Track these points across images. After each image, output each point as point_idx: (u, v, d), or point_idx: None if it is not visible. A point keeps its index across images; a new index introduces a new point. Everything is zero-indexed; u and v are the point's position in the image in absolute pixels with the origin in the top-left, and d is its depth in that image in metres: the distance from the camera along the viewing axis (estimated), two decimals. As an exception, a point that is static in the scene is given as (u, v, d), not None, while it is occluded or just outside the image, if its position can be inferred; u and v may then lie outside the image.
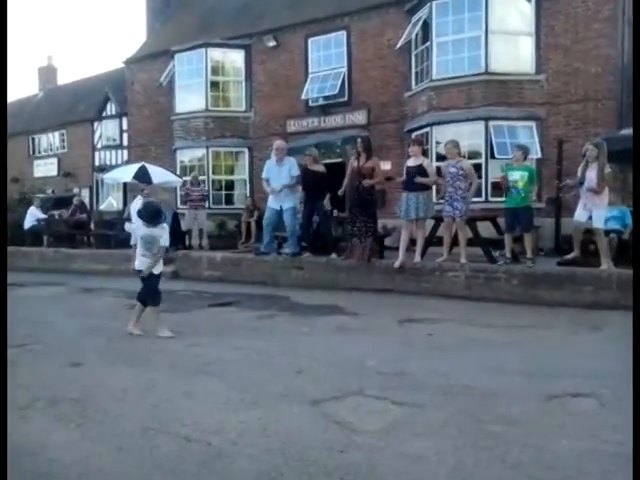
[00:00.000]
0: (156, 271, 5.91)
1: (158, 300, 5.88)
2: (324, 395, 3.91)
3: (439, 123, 13.34)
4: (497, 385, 4.10)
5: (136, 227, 6.07)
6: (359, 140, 9.19)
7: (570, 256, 7.91)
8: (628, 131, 9.62)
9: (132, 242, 6.06)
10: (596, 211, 7.60)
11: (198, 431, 3.30)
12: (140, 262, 5.89)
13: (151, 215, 5.81)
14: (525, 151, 8.46)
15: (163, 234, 5.86)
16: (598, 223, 7.63)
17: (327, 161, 13.04)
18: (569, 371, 4.45)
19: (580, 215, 7.79)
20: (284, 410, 3.65)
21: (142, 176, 13.43)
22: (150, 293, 5.87)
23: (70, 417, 3.54)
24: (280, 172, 9.69)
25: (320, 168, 9.90)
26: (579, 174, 7.85)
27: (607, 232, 8.26)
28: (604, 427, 3.32)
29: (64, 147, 25.26)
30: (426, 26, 13.72)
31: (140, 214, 5.90)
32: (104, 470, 2.84)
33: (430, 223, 9.20)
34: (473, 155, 12.99)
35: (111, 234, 14.05)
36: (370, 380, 4.26)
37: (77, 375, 4.49)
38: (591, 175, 7.60)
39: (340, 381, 4.25)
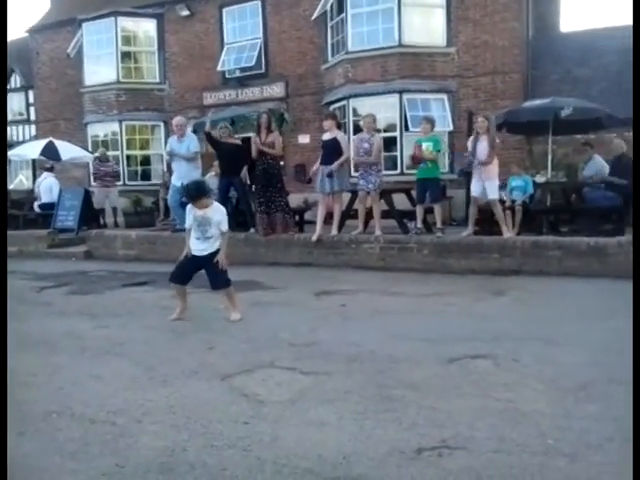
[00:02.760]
0: (219, 245, 5.44)
1: (227, 281, 5.43)
2: (235, 369, 3.95)
3: (356, 96, 13.49)
4: (401, 351, 4.27)
5: (189, 208, 5.46)
6: (264, 115, 9.20)
7: (465, 233, 8.22)
8: (530, 103, 10.07)
9: (186, 226, 5.51)
10: (489, 182, 7.98)
11: (103, 412, 3.27)
12: (195, 247, 5.41)
13: (195, 192, 5.34)
14: (432, 123, 8.71)
15: (222, 218, 5.40)
16: (492, 194, 8.02)
17: (245, 135, 12.88)
18: (470, 335, 4.68)
19: (475, 189, 8.14)
20: (193, 386, 3.67)
21: (50, 152, 12.91)
22: (219, 276, 5.39)
23: (-32, 405, 3.42)
24: (180, 148, 9.71)
25: (235, 141, 9.83)
26: (469, 147, 8.19)
27: (512, 202, 8.68)
28: (497, 386, 3.54)
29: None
30: (341, -3, 13.73)
31: (185, 193, 5.51)
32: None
33: (347, 197, 9.33)
34: (388, 128, 13.24)
35: (19, 214, 13.41)
36: (282, 352, 4.34)
37: (-22, 362, 4.31)
38: (481, 147, 7.96)
39: (252, 355, 4.30)
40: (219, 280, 5.40)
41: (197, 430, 3.01)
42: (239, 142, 9.89)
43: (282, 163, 9.94)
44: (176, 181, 9.73)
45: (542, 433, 2.85)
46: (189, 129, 10.68)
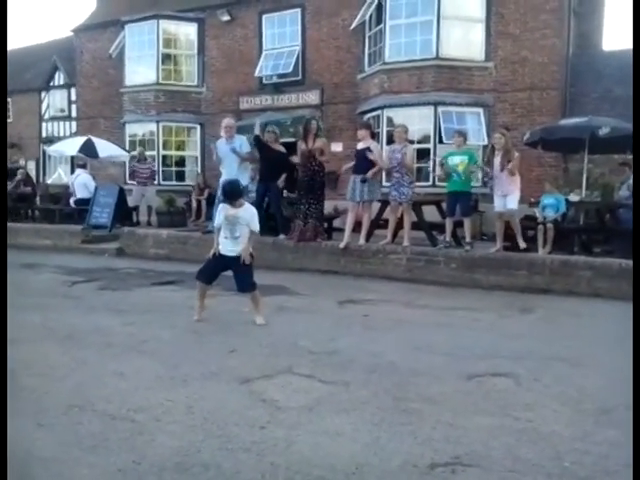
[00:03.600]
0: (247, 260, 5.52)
1: (254, 284, 5.55)
2: (254, 374, 3.99)
3: (390, 106, 13.45)
4: (421, 364, 4.26)
5: (221, 208, 5.54)
6: (313, 122, 9.21)
7: (493, 249, 8.16)
8: (567, 121, 9.94)
9: (215, 224, 5.60)
10: (509, 195, 7.94)
11: (124, 409, 3.34)
12: (223, 247, 5.47)
13: (231, 192, 5.42)
14: (464, 136, 8.67)
15: (251, 218, 5.44)
16: (511, 205, 7.95)
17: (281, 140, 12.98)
18: (493, 352, 4.64)
19: (499, 205, 8.10)
20: (212, 388, 3.72)
21: (88, 150, 13.20)
22: (246, 277, 5.51)
23: (-5, 394, 3.52)
24: (230, 150, 9.62)
25: (280, 148, 9.85)
26: (486, 162, 8.19)
27: (544, 219, 8.56)
28: (517, 405, 3.50)
29: (9, 117, 24.35)
30: (380, 8, 13.76)
31: (222, 192, 5.60)
32: (20, 445, 2.85)
33: (376, 206, 9.33)
34: (422, 140, 13.19)
35: (55, 208, 13.74)
36: (301, 359, 4.37)
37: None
38: (496, 162, 7.90)
39: (272, 360, 4.33)
40: (245, 283, 5.49)
41: (213, 432, 3.05)
42: (283, 149, 9.91)
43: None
44: None
45: (559, 455, 2.82)
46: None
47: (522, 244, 7.94)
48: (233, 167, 9.64)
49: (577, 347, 4.85)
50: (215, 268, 5.59)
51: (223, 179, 9.86)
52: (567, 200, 8.93)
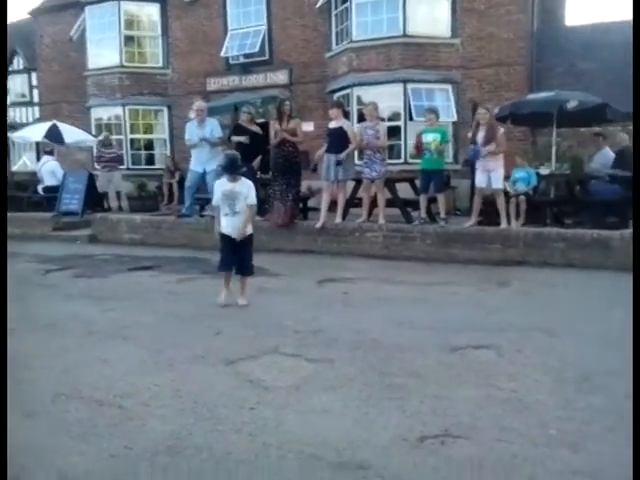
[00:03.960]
0: (248, 232, 5.50)
1: (252, 268, 5.57)
2: (240, 355, 4.00)
3: (360, 84, 13.40)
4: (404, 339, 4.32)
5: (217, 184, 5.52)
6: (287, 103, 9.15)
7: (468, 224, 8.23)
8: (535, 95, 10.05)
9: (214, 202, 5.53)
10: (494, 173, 7.97)
11: (111, 395, 3.32)
12: (226, 224, 5.43)
13: (231, 166, 5.36)
14: (436, 113, 8.71)
15: (248, 191, 5.40)
16: (497, 184, 8.00)
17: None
18: (473, 325, 4.72)
19: (480, 180, 8.14)
20: (199, 371, 3.72)
21: (54, 135, 12.89)
22: (246, 260, 5.49)
23: (-23, 386, 3.46)
24: (201, 134, 9.47)
25: (256, 129, 9.75)
26: (470, 138, 8.20)
27: (517, 194, 8.68)
28: (500, 376, 3.58)
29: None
30: (345, -15, 13.64)
31: (222, 166, 5.49)
32: (10, 436, 2.82)
33: (351, 185, 9.34)
34: (393, 117, 13.21)
35: (23, 196, 13.42)
36: (286, 339, 4.39)
37: (-15, 344, 4.36)
38: (480, 137, 7.95)
39: (257, 341, 4.34)
40: (246, 266, 5.52)
41: (203, 414, 3.05)
42: (259, 130, 9.81)
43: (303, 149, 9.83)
44: (197, 167, 9.61)
45: (544, 423, 2.90)
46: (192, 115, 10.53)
47: (504, 224, 7.96)
48: (204, 151, 9.53)
49: (555, 317, 4.95)
50: (229, 252, 5.51)
51: (193, 163, 9.77)
52: (538, 173, 9.07)
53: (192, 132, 9.64)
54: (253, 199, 5.45)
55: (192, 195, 9.94)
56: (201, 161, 9.56)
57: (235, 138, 9.44)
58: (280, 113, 8.97)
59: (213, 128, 9.54)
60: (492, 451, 2.64)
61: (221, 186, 5.45)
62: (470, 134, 8.26)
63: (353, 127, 9.52)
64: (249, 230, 5.51)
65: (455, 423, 2.92)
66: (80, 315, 5.15)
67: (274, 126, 9.02)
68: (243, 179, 5.48)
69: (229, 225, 5.43)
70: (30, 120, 20.48)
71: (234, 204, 5.37)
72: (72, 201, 11.50)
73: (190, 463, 2.59)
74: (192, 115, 9.90)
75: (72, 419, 3.02)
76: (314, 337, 4.43)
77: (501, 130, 8.08)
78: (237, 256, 5.50)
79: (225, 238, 5.49)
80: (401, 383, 3.47)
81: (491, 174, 7.97)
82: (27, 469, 2.54)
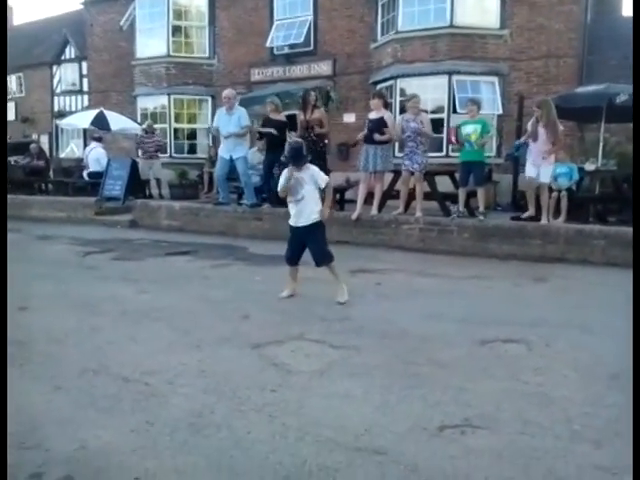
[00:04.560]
0: (317, 217, 5.21)
1: (330, 255, 5.23)
2: (267, 339, 4.02)
3: (404, 76, 13.28)
4: (433, 331, 4.26)
5: (285, 172, 5.25)
6: (312, 93, 9.18)
7: (526, 215, 8.04)
8: (584, 89, 9.75)
9: (279, 188, 5.26)
10: (543, 167, 7.76)
11: (137, 372, 3.38)
12: (294, 214, 5.25)
13: (294, 154, 5.17)
14: (478, 105, 8.54)
15: (315, 174, 5.18)
16: (544, 178, 7.80)
17: (289, 112, 12.88)
18: (505, 319, 4.63)
19: (530, 171, 7.93)
20: (225, 353, 3.76)
21: (100, 122, 13.22)
22: (316, 248, 5.21)
23: (14, 359, 3.58)
24: (229, 121, 9.54)
25: (282, 117, 9.82)
26: (529, 129, 7.96)
27: (558, 189, 8.46)
28: (527, 370, 3.50)
29: (22, 91, 24.44)
30: (393, -25, 13.49)
31: (288, 155, 5.27)
32: (37, 407, 2.91)
33: (389, 177, 9.27)
34: (436, 110, 13.03)
35: (69, 181, 13.81)
36: (313, 326, 4.39)
37: (23, 319, 4.51)
38: (540, 133, 7.72)
39: (285, 326, 4.36)
40: (320, 255, 5.22)
41: (226, 394, 3.09)
42: (284, 119, 9.87)
43: (326, 141, 9.87)
44: (224, 154, 9.69)
45: (569, 418, 2.82)
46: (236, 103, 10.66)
47: (545, 219, 7.78)
48: (231, 138, 9.61)
49: (590, 315, 4.82)
50: (294, 246, 5.35)
51: (221, 149, 9.89)
52: (581, 169, 8.81)
53: (220, 120, 9.74)
54: (322, 181, 5.18)
55: (224, 182, 10.06)
56: (228, 148, 9.64)
57: (262, 129, 9.52)
58: (305, 103, 9.00)
59: (240, 116, 9.61)
60: (513, 443, 2.58)
61: (287, 172, 5.24)
62: (529, 126, 8.01)
63: (394, 119, 9.43)
64: (315, 217, 5.21)
65: (477, 414, 2.87)
66: (115, 296, 5.26)
67: (299, 116, 9.04)
68: (309, 166, 5.26)
69: (294, 214, 5.27)
70: (80, 108, 21.01)
71: (297, 191, 5.17)
72: (115, 187, 11.76)
73: (209, 441, 2.62)
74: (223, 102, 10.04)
75: (98, 394, 3.09)
76: (341, 325, 4.42)
77: (561, 128, 7.81)
78: (309, 248, 5.25)
79: (291, 229, 5.34)
80: (426, 373, 3.43)
81: (541, 168, 7.76)
82: (50, 438, 2.61)
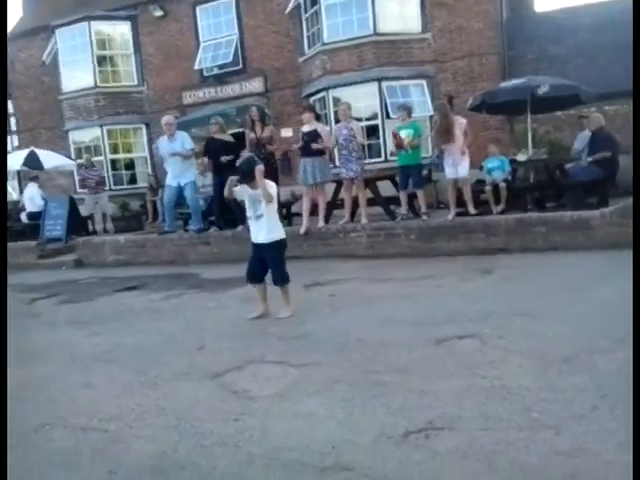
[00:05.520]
0: (278, 236, 5.21)
1: (287, 277, 5.23)
2: (225, 367, 3.98)
3: (335, 86, 13.45)
4: (389, 336, 4.32)
5: (240, 190, 5.18)
6: (253, 109, 9.16)
7: (449, 217, 8.23)
8: (506, 83, 10.09)
9: (248, 214, 5.24)
10: (460, 164, 8.07)
11: (95, 420, 3.29)
12: (254, 231, 5.20)
13: (247, 169, 5.05)
14: (409, 110, 8.77)
15: (271, 190, 5.09)
16: (462, 172, 8.10)
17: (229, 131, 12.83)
18: (458, 316, 4.73)
19: (450, 172, 8.21)
20: (183, 387, 3.70)
21: (32, 162, 12.84)
22: (277, 267, 5.19)
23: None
24: (173, 148, 9.44)
25: (228, 137, 9.71)
26: (434, 136, 8.35)
27: (494, 182, 8.70)
28: (483, 364, 3.58)
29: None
30: (313, -11, 13.69)
31: (240, 173, 5.12)
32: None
33: (331, 188, 9.35)
34: (370, 116, 13.24)
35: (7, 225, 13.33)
36: (271, 347, 4.38)
37: (-31, 378, 4.32)
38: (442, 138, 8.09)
39: (242, 351, 4.33)
40: (279, 274, 5.23)
41: (188, 430, 3.03)
42: (230, 138, 9.78)
43: (277, 158, 9.88)
44: (172, 181, 9.56)
45: (527, 407, 2.90)
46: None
47: (472, 210, 8.08)
48: (177, 164, 9.51)
49: (538, 301, 4.97)
50: (255, 262, 5.30)
51: (168, 178, 9.74)
52: (513, 160, 9.11)
53: (163, 147, 9.62)
54: (273, 193, 5.14)
55: (171, 210, 9.93)
56: (175, 175, 9.53)
57: (223, 159, 9.36)
58: (252, 121, 9.00)
59: (184, 140, 9.52)
60: (476, 440, 2.63)
61: (244, 191, 5.18)
62: (433, 133, 8.35)
63: (327, 129, 9.54)
64: (276, 234, 5.23)
65: (439, 415, 2.92)
66: (65, 342, 5.11)
67: (249, 135, 9.03)
68: (265, 181, 5.18)
69: (254, 231, 5.24)
70: (9, 149, 20.34)
71: (256, 207, 5.13)
72: (55, 227, 11.45)
73: (175, 481, 2.57)
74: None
75: (55, 448, 2.99)
76: (299, 342, 4.42)
77: (461, 122, 8.11)
78: (269, 267, 5.24)
79: (252, 246, 5.31)
80: (386, 380, 3.46)
81: (458, 165, 8.03)
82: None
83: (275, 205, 5.26)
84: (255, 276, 5.33)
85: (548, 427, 2.69)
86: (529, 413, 2.85)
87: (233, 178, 5.21)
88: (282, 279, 5.25)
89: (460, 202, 8.40)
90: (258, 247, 5.26)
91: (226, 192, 5.36)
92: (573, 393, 3.02)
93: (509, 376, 3.33)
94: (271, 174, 8.97)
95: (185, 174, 9.49)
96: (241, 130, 14.09)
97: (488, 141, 10.43)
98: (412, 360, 3.77)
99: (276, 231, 5.25)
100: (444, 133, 8.00)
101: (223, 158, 9.15)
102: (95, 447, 2.94)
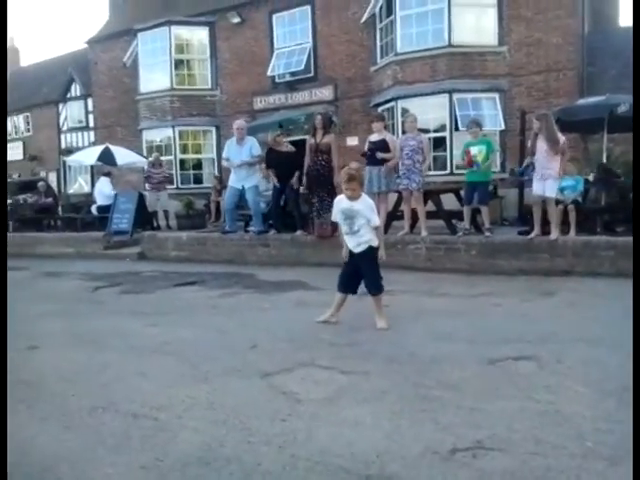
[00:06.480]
0: (366, 244, 5.02)
1: (381, 286, 5.08)
2: (275, 368, 4.00)
3: (404, 97, 13.42)
4: (442, 352, 4.23)
5: (336, 201, 5.14)
6: (318, 117, 9.23)
7: (533, 234, 7.93)
8: (585, 101, 9.78)
9: (332, 219, 5.21)
10: (548, 180, 7.71)
11: (146, 407, 3.37)
12: (349, 242, 5.08)
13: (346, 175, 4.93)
14: (480, 125, 8.62)
15: (369, 212, 4.95)
16: (549, 192, 7.72)
17: (293, 138, 12.98)
18: (515, 336, 4.59)
19: (537, 188, 7.85)
20: (234, 384, 3.74)
21: (106, 158, 13.39)
22: (369, 276, 5.04)
23: (22, 399, 3.59)
24: (240, 152, 9.68)
25: (286, 148, 9.84)
26: (528, 146, 7.98)
27: (564, 202, 8.41)
28: (538, 388, 3.46)
29: (29, 130, 24.87)
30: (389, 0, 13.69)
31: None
32: (47, 448, 2.90)
33: (394, 197, 9.29)
34: (438, 128, 13.11)
35: (77, 217, 13.95)
36: (322, 352, 4.37)
37: (33, 358, 4.53)
38: (540, 146, 7.69)
39: (293, 354, 4.34)
40: (373, 284, 5.07)
41: (235, 426, 3.07)
42: (292, 149, 9.91)
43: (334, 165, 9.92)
44: (236, 183, 9.80)
45: (581, 435, 2.78)
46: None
47: (554, 234, 7.67)
48: (242, 168, 9.73)
49: (600, 328, 4.77)
50: (349, 272, 5.18)
51: (232, 180, 9.98)
52: (587, 180, 8.79)
53: (231, 150, 9.86)
54: (376, 221, 5.01)
55: (232, 211, 10.15)
56: (240, 178, 9.76)
57: (272, 179, 9.61)
58: (314, 128, 9.09)
59: (252, 146, 9.73)
60: (525, 464, 2.54)
61: (339, 203, 5.10)
62: (529, 144, 8.01)
63: (395, 139, 9.50)
64: (367, 242, 5.03)
65: (489, 435, 2.83)
66: (124, 330, 5.28)
67: (309, 140, 9.13)
68: (364, 196, 5.08)
69: (351, 244, 5.10)
70: (86, 144, 21.30)
71: (353, 223, 4.98)
72: (122, 220, 11.87)
73: (219, 474, 2.60)
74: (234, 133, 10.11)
75: (107, 431, 3.08)
76: (350, 350, 4.40)
77: (562, 138, 7.70)
78: (363, 276, 5.10)
79: (349, 256, 5.18)
80: (436, 395, 3.40)
81: (546, 182, 7.67)
82: (60, 479, 2.60)
83: (376, 225, 5.07)
84: (347, 286, 5.19)
85: (602, 458, 2.57)
86: (583, 441, 2.73)
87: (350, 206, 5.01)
88: (378, 288, 5.07)
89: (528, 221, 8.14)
90: (354, 255, 5.13)
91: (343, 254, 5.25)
92: (631, 426, 2.87)
93: (565, 402, 3.21)
94: (328, 180, 9.04)
95: (249, 178, 9.70)
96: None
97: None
98: (464, 378, 3.69)
99: (370, 240, 5.05)
100: (551, 143, 7.57)
101: (272, 178, 9.49)
102: (144, 434, 3.02)
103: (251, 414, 3.22)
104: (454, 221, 9.13)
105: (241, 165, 9.64)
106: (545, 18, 12.72)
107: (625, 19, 22.53)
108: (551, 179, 7.64)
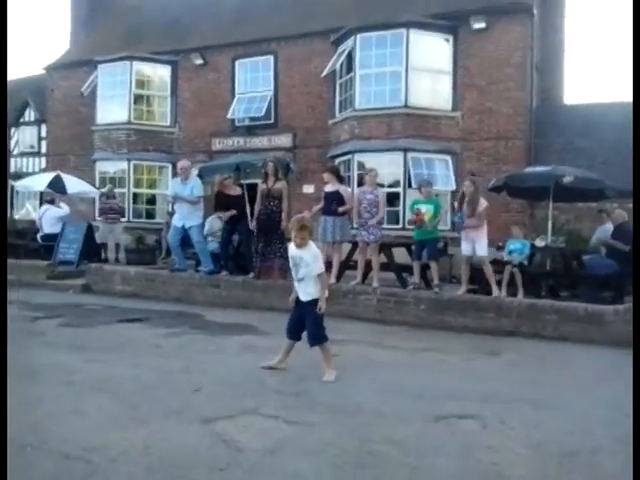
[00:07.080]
0: (311, 296, 5.01)
1: (322, 337, 5.01)
2: (217, 414, 3.89)
3: (361, 151, 13.71)
4: (388, 406, 4.21)
5: (289, 247, 5.18)
6: (270, 163, 9.36)
7: (460, 292, 8.19)
8: (532, 169, 10.22)
9: (293, 274, 5.14)
10: (478, 243, 8.07)
11: (79, 448, 3.21)
12: (298, 291, 5.09)
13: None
14: (431, 185, 8.99)
15: (312, 261, 4.93)
16: (481, 252, 8.08)
17: (250, 181, 13.00)
18: (460, 394, 4.61)
19: (466, 249, 8.20)
20: (173, 428, 3.62)
21: (57, 185, 13.07)
22: (314, 329, 4.99)
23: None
24: (183, 190, 9.80)
25: (234, 191, 9.98)
26: (456, 208, 8.36)
27: (511, 264, 8.64)
28: (481, 447, 3.47)
29: (-24, 152, 24.06)
30: (350, 58, 14.16)
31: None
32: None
33: (347, 248, 9.37)
34: (392, 184, 13.42)
35: (21, 243, 13.46)
36: (267, 399, 4.28)
37: (-41, 390, 4.26)
38: (464, 208, 8.15)
39: (237, 400, 4.24)
40: (316, 334, 5.01)
41: (171, 474, 2.95)
42: (238, 191, 10.05)
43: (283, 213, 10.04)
44: (178, 222, 9.88)
45: (523, 499, 2.79)
46: (194, 172, 10.88)
47: (495, 292, 7.96)
48: (184, 207, 9.83)
49: (543, 391, 4.85)
50: (296, 317, 5.17)
51: (174, 218, 10.01)
52: (533, 245, 9.09)
53: (175, 189, 10.01)
54: (316, 269, 4.97)
55: (178, 249, 10.09)
56: (182, 216, 9.83)
57: (225, 215, 9.71)
58: (265, 173, 9.24)
59: (194, 186, 9.83)
60: (467, 526, 2.52)
61: (289, 250, 5.19)
62: (457, 203, 8.43)
63: (350, 191, 9.68)
64: (311, 294, 5.02)
65: (431, 495, 2.81)
66: (61, 364, 5.06)
67: (260, 186, 9.25)
68: (311, 245, 5.04)
69: (298, 290, 5.11)
70: (37, 170, 20.78)
71: (297, 270, 5.01)
72: (69, 250, 11.54)
73: (152, 525, 2.48)
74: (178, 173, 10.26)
75: (35, 473, 2.91)
76: (296, 399, 4.33)
77: (483, 204, 8.12)
78: (306, 325, 5.05)
79: (295, 303, 5.17)
80: (380, 451, 3.36)
81: (475, 244, 8.05)
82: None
83: (320, 273, 5.04)
84: (293, 332, 5.16)
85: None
86: (525, 504, 2.74)
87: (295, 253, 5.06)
88: (322, 338, 5.03)
89: (473, 280, 8.36)
90: (299, 303, 5.12)
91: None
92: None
93: (506, 464, 3.22)
94: (277, 225, 9.10)
95: (191, 217, 9.76)
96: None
97: (510, 222, 10.52)
98: (408, 434, 3.66)
99: (314, 293, 5.04)
100: (471, 207, 8.04)
101: (224, 215, 9.66)
102: (75, 477, 2.86)
103: (189, 462, 3.10)
104: (405, 275, 9.25)
105: (180, 200, 9.72)
106: (497, 88, 13.36)
107: (569, 98, 23.92)
108: (479, 240, 7.99)
